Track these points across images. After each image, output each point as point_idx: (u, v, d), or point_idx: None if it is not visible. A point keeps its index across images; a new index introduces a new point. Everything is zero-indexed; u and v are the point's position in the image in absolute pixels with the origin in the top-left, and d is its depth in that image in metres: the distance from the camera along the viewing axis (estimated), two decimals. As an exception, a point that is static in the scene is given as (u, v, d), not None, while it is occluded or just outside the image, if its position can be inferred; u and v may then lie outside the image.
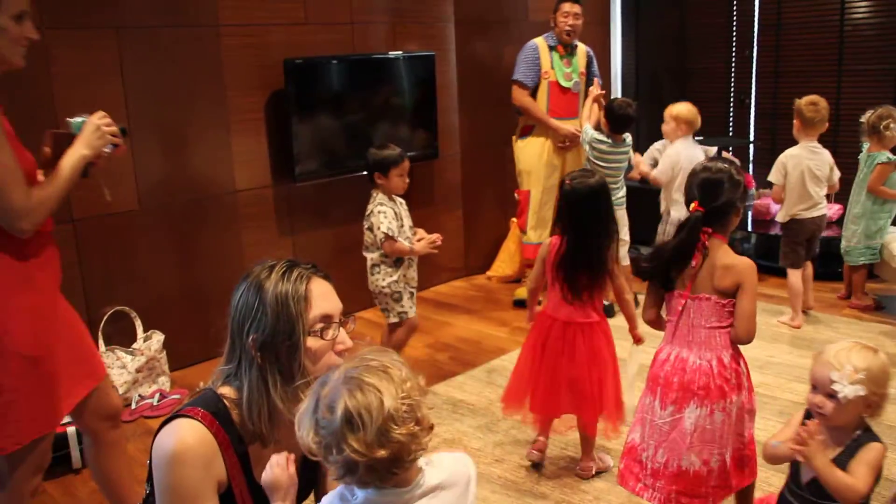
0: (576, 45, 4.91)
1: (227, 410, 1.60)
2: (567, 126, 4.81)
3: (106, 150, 2.24)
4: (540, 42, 4.88)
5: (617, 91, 6.87)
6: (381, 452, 1.27)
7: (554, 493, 2.89)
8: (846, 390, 1.92)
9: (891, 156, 4.41)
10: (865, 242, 4.59)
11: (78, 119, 2.25)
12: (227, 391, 1.63)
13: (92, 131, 2.21)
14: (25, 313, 2.09)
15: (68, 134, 2.23)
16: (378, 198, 3.63)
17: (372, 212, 3.60)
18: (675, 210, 4.57)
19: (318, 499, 1.79)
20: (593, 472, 3.00)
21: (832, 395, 1.95)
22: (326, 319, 1.62)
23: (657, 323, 2.51)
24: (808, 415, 2.09)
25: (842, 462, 1.96)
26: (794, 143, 4.48)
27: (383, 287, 3.63)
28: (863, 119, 4.52)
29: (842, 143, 5.52)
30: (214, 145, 4.21)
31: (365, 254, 3.66)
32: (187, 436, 1.53)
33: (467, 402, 3.70)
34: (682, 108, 4.67)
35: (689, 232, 2.34)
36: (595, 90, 4.75)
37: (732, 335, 2.34)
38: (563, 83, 4.86)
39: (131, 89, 3.84)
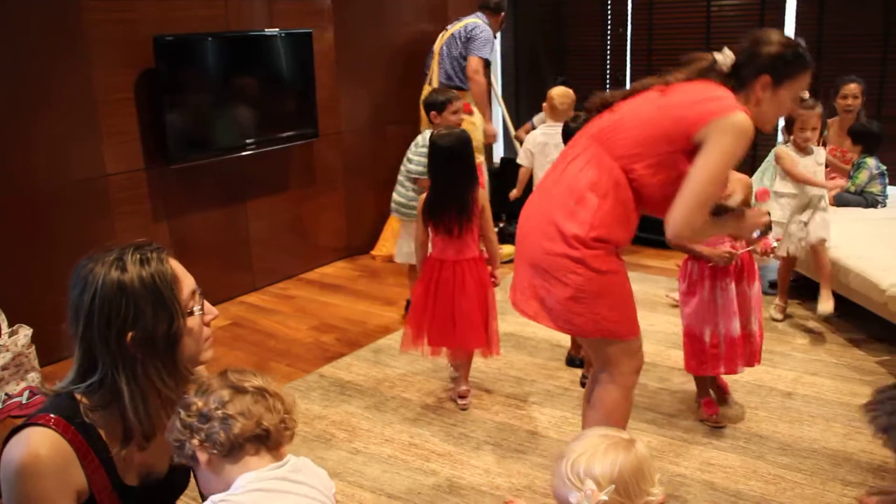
0: None
1: (84, 415, 1.49)
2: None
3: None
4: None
5: (496, 69, 6.92)
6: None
7: (444, 470, 2.91)
8: None
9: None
10: None
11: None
12: (85, 400, 1.52)
13: (744, 222, 2.43)
14: None
15: None
16: None
17: None
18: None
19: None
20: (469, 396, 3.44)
21: None
22: (193, 293, 1.57)
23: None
24: None
25: None
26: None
27: None
28: None
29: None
30: (80, 126, 3.98)
31: None
32: (38, 446, 1.42)
33: (355, 382, 3.67)
34: None
35: None
36: None
37: None
38: None
39: (-19, 66, 3.58)
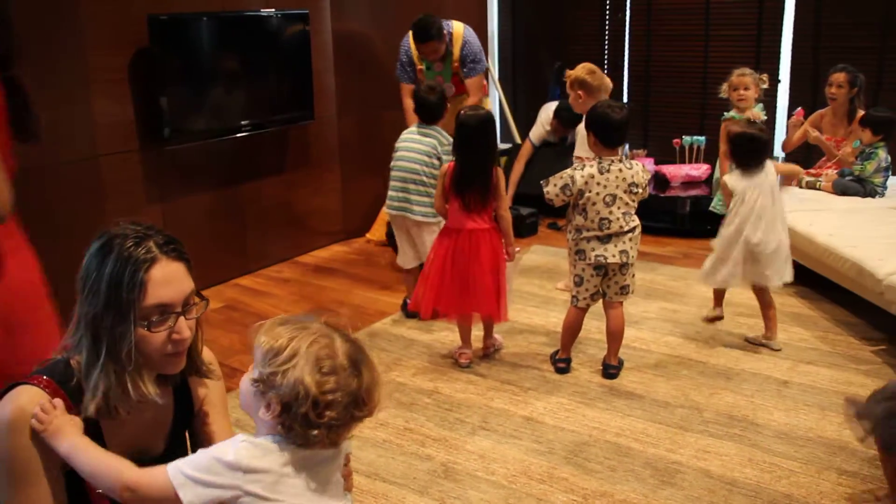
0: (451, 32, 4.64)
1: (74, 378, 1.48)
2: None
3: None
4: (412, 41, 4.63)
5: (493, 53, 6.88)
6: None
7: (439, 455, 2.90)
8: None
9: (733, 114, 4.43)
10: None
11: None
12: (75, 360, 1.50)
13: None
14: None
15: None
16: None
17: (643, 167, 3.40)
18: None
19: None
20: (496, 347, 3.75)
21: None
22: (163, 309, 1.46)
23: None
24: None
25: None
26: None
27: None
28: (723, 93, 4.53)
29: (710, 104, 5.73)
30: (72, 106, 3.92)
31: (633, 222, 3.36)
32: (26, 404, 1.42)
33: (350, 367, 3.65)
34: None
35: None
36: None
37: None
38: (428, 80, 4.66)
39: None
